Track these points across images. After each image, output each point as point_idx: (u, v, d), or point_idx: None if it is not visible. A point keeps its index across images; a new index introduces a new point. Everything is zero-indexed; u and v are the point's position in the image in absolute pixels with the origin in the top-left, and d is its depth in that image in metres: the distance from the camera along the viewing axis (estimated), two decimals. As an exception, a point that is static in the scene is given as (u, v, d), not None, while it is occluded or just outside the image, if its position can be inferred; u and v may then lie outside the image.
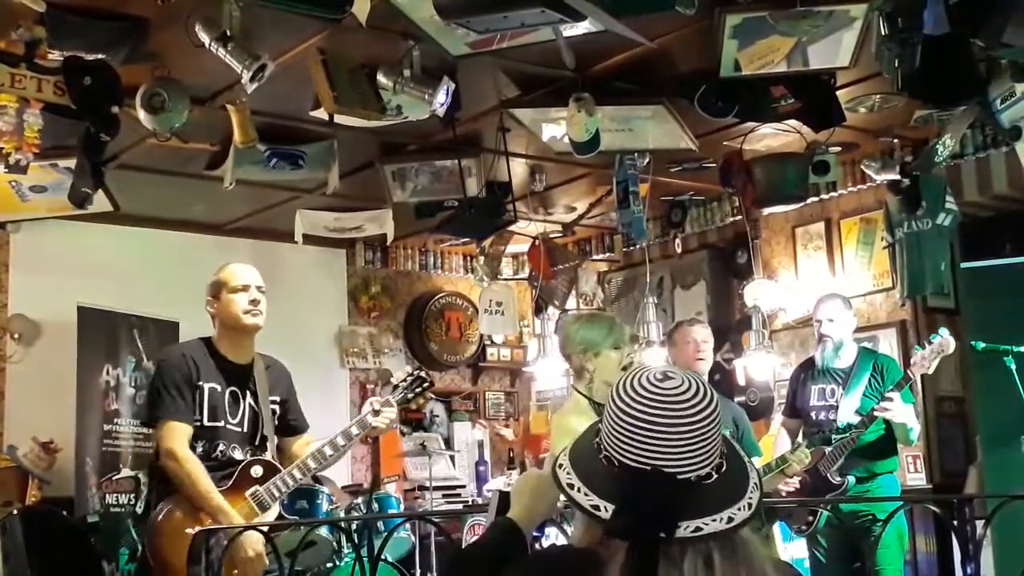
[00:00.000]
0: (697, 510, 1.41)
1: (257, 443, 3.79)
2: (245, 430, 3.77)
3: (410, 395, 3.91)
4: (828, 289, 6.44)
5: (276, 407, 3.86)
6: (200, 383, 3.70)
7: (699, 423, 1.43)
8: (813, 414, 5.04)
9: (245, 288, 3.78)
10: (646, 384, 1.45)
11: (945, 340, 4.72)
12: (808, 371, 5.19)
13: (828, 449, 4.83)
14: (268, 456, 3.79)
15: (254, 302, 3.78)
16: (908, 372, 4.80)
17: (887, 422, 4.83)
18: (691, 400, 1.44)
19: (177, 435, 3.63)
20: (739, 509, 1.43)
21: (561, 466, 1.53)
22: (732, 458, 1.49)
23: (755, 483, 1.48)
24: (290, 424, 3.93)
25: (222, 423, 3.71)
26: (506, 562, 1.66)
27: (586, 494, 1.46)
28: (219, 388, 3.73)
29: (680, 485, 1.41)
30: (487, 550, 1.76)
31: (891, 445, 4.96)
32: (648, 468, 1.42)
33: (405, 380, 3.92)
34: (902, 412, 4.74)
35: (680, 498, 1.40)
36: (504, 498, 1.84)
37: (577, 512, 1.50)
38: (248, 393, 3.79)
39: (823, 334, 5.04)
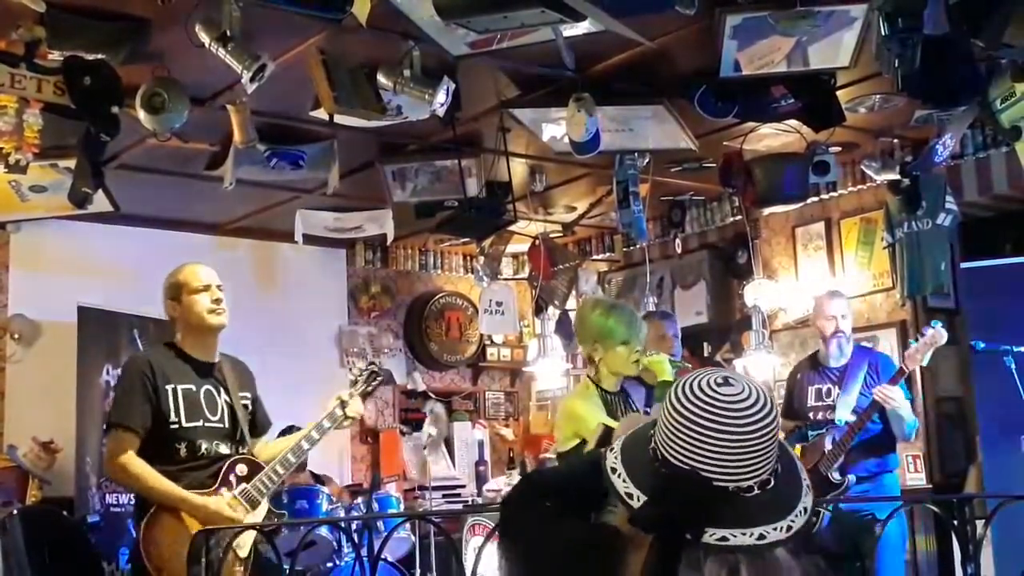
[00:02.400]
0: (728, 520, 1.39)
1: (239, 438, 3.80)
2: (226, 426, 3.76)
3: (368, 389, 4.11)
4: (829, 289, 6.44)
5: (248, 403, 3.89)
6: (169, 386, 3.67)
7: (747, 434, 1.40)
8: (811, 414, 5.07)
9: (207, 288, 3.78)
10: (704, 387, 1.43)
11: (937, 332, 4.79)
12: (806, 371, 5.23)
13: (828, 448, 4.84)
14: (248, 452, 3.82)
15: (217, 301, 3.78)
16: (903, 366, 4.86)
17: (884, 419, 4.85)
18: (745, 410, 1.41)
19: (123, 444, 3.60)
20: (775, 529, 1.40)
21: (611, 449, 1.52)
22: (787, 477, 1.45)
23: (804, 507, 1.44)
24: (257, 423, 3.96)
25: (200, 422, 3.70)
26: (582, 493, 1.62)
27: (624, 480, 1.46)
28: (193, 387, 3.72)
29: (714, 492, 1.40)
30: (564, 481, 1.73)
31: (890, 442, 4.99)
32: (686, 468, 1.41)
33: (361, 375, 4.11)
34: (902, 402, 4.82)
35: (711, 505, 1.39)
36: (608, 432, 1.82)
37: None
38: (222, 389, 3.80)
39: (840, 330, 5.07)
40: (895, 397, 4.77)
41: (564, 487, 1.70)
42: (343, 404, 3.90)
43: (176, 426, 3.66)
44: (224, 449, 3.73)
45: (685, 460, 1.41)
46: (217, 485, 3.66)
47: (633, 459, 1.47)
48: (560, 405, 4.15)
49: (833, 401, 4.99)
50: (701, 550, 1.39)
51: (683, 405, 1.43)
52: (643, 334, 3.83)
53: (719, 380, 1.44)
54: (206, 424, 3.71)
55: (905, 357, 4.90)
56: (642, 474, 1.45)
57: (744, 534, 1.39)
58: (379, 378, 4.12)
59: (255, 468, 3.75)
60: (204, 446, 3.69)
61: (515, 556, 1.65)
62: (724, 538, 1.38)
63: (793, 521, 1.42)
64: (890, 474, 5.00)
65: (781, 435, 1.46)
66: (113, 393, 3.66)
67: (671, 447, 1.43)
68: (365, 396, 4.07)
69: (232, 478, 3.70)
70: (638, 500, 1.44)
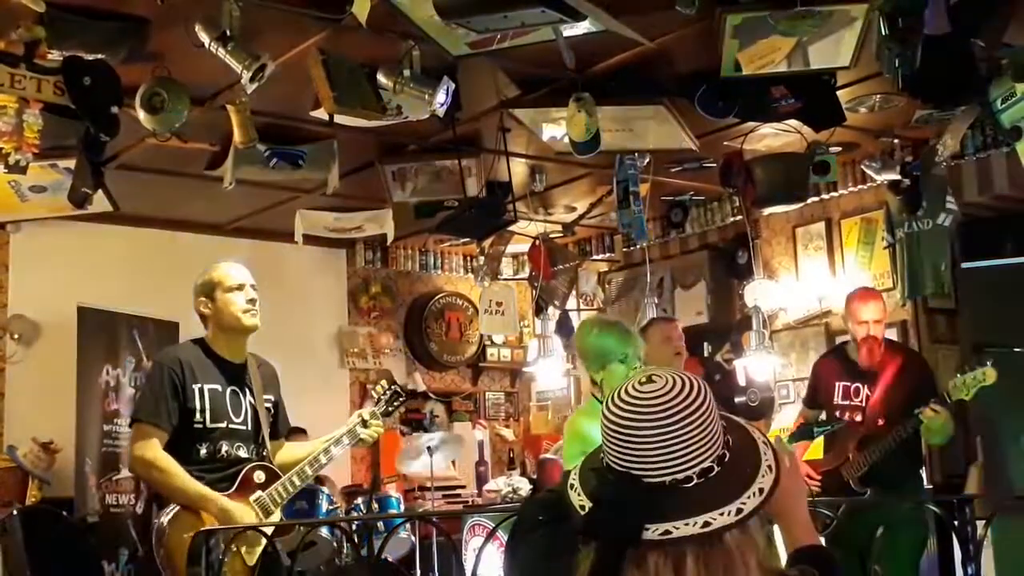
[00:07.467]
0: (669, 514, 1.39)
1: (260, 441, 3.78)
2: (249, 428, 3.75)
3: (390, 408, 4.07)
4: (829, 289, 6.45)
5: (270, 406, 3.86)
6: (197, 385, 3.66)
7: (672, 426, 1.40)
8: (837, 412, 4.93)
9: (240, 288, 3.76)
10: (629, 388, 1.44)
11: (988, 372, 4.58)
12: (834, 365, 5.06)
13: (852, 454, 4.77)
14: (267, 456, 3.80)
15: (251, 301, 3.77)
16: (946, 394, 4.64)
17: (916, 433, 4.75)
18: (667, 403, 1.41)
19: (148, 439, 3.61)
20: (721, 514, 1.39)
21: (577, 465, 1.54)
22: (738, 461, 1.44)
23: (758, 489, 1.42)
24: (278, 426, 3.93)
25: (224, 423, 3.69)
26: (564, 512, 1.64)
27: (579, 494, 1.47)
28: (219, 388, 3.71)
29: (648, 488, 1.40)
30: (555, 498, 1.75)
31: (917, 455, 4.90)
32: (621, 470, 1.42)
33: (385, 394, 4.05)
34: (948, 425, 4.67)
35: (647, 501, 1.39)
36: None
37: None
38: (247, 391, 3.78)
39: (872, 336, 4.83)
40: (942, 419, 4.60)
41: (553, 504, 1.73)
42: (364, 423, 3.89)
43: (200, 426, 3.65)
44: (243, 452, 3.72)
45: (619, 462, 1.43)
46: (234, 489, 3.65)
47: (587, 471, 1.49)
48: (567, 423, 4.17)
49: (861, 402, 4.84)
50: (644, 547, 1.39)
51: (610, 409, 1.44)
52: (640, 349, 3.86)
53: (643, 379, 1.45)
54: (229, 426, 3.70)
55: (950, 386, 4.64)
56: (589, 484, 1.47)
57: (688, 524, 1.38)
58: (401, 398, 4.11)
59: (272, 476, 3.74)
60: (224, 448, 3.68)
61: (506, 563, 1.68)
62: (667, 531, 1.38)
63: (744, 503, 1.40)
64: (915, 485, 4.94)
65: (718, 421, 1.44)
66: (141, 388, 3.64)
67: (608, 452, 1.45)
68: (386, 415, 4.05)
69: (249, 484, 3.68)
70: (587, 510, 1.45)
